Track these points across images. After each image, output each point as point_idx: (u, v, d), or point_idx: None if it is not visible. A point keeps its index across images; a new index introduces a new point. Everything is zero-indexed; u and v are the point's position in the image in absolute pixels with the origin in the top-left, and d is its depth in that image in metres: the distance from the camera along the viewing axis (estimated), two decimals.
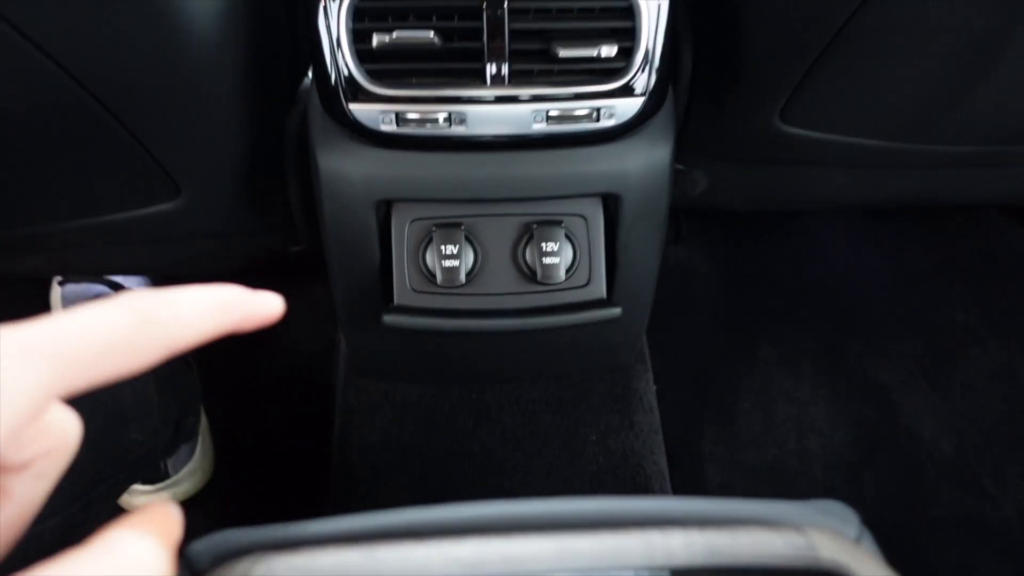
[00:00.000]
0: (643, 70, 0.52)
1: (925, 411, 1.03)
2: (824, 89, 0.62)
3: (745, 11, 0.58)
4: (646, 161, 0.58)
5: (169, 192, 0.64)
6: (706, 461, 0.98)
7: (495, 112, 0.53)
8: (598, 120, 0.54)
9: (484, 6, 0.49)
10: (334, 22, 0.50)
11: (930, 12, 0.53)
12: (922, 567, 0.92)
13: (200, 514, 0.92)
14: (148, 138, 0.56)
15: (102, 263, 0.87)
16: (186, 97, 0.54)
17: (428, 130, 0.54)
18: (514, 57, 0.51)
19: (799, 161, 0.77)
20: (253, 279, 0.35)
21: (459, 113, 0.53)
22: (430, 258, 0.59)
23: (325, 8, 0.50)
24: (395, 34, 0.49)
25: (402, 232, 0.59)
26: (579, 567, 0.29)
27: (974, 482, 0.98)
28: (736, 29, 0.60)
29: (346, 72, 0.51)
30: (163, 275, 1.02)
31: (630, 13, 0.51)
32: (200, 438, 0.96)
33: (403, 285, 0.60)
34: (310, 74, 0.56)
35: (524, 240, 0.60)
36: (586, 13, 0.51)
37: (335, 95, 0.53)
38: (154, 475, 0.91)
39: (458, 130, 0.54)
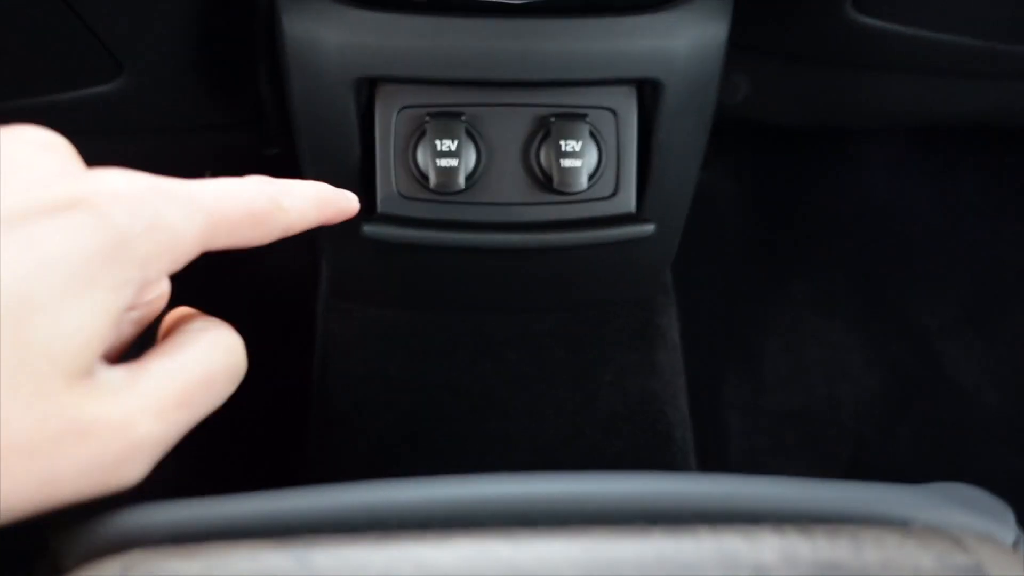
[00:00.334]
0: None
1: (969, 359, 0.99)
2: None
3: None
4: (699, 39, 0.52)
5: (108, 70, 0.58)
6: (727, 406, 0.96)
7: None
8: None
9: None
10: None
11: None
12: None
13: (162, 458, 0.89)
14: None
15: None
16: None
17: None
18: None
19: (864, 64, 0.73)
20: None
21: None
22: (422, 156, 0.53)
23: None
24: None
25: (388, 122, 0.54)
26: None
27: (1020, 438, 0.95)
28: None
29: None
30: None
31: None
32: None
33: (388, 188, 0.54)
34: None
35: (538, 137, 0.54)
36: None
37: None
38: None
39: None
